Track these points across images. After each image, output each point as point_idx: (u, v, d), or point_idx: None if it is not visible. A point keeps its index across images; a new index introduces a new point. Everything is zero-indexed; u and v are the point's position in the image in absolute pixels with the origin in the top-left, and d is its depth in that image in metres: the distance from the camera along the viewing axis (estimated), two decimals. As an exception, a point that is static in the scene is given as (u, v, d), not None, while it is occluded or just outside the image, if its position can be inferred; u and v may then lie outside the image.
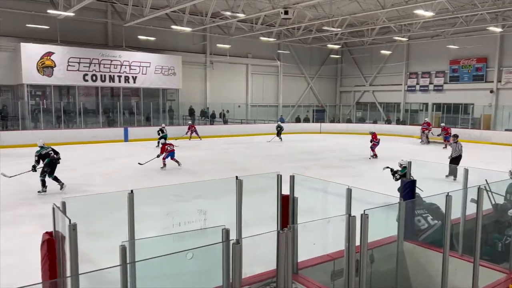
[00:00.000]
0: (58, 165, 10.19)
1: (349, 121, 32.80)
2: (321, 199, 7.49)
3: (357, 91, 35.44)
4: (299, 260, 4.03)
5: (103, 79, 22.79)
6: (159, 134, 18.56)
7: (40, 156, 9.96)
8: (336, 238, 4.64)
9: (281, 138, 22.86)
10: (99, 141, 20.29)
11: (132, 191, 3.18)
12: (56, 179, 10.07)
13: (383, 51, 30.75)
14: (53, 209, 2.55)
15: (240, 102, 30.03)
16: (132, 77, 23.71)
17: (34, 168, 9.92)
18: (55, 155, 10.08)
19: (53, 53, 20.96)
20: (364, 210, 2.76)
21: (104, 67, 22.66)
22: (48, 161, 9.94)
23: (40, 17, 20.32)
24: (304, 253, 4.29)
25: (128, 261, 2.71)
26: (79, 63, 21.84)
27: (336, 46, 31.36)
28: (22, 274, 5.43)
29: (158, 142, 15.68)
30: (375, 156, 16.30)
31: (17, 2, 20.38)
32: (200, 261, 3.31)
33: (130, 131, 22.23)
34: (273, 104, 32.62)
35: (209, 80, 28.66)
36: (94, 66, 22.31)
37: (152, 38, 24.29)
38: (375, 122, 31.44)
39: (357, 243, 3.06)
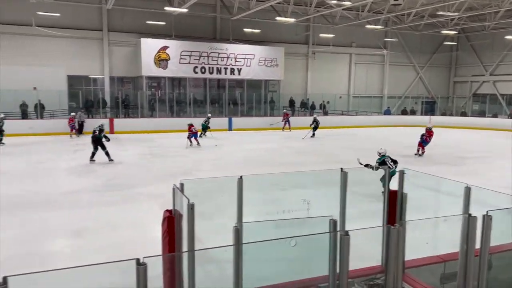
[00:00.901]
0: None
1: (463, 114, 29.88)
2: (431, 197, 7.00)
3: (475, 82, 32.10)
4: (405, 259, 3.85)
5: (211, 71, 24.13)
6: (205, 123, 19.15)
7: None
8: (447, 239, 4.31)
9: (314, 134, 19.76)
10: (210, 130, 21.58)
11: (241, 177, 3.35)
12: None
13: (508, 37, 27.29)
14: (173, 189, 2.81)
15: (341, 92, 29.35)
16: (237, 69, 24.68)
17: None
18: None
19: (168, 47, 22.80)
20: (487, 211, 2.52)
21: (212, 60, 23.97)
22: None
23: (158, 14, 22.20)
24: (410, 252, 4.08)
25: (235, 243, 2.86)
26: (190, 56, 23.41)
27: (452, 32, 28.73)
28: (143, 247, 6.08)
29: (203, 131, 18.54)
30: (422, 152, 14.68)
31: (138, 2, 22.54)
32: (303, 249, 3.35)
33: (234, 121, 23.24)
34: (377, 95, 31.21)
35: (310, 71, 28.51)
36: (203, 59, 23.71)
37: (257, 31, 24.93)
38: (495, 116, 28.19)
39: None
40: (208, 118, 19.61)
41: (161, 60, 22.72)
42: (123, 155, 14.28)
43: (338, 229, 2.43)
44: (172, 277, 2.69)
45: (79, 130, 19.59)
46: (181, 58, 23.19)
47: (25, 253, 5.80)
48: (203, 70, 23.91)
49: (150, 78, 23.47)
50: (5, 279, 1.41)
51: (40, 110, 20.44)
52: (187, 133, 16.37)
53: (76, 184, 9.90)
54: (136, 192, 9.18)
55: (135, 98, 23.86)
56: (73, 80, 22.66)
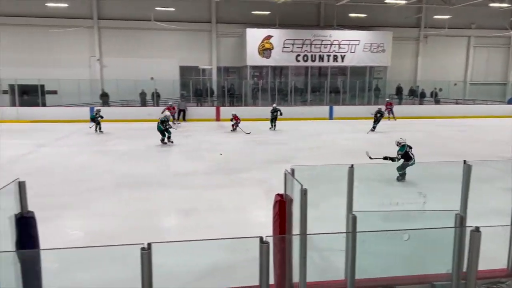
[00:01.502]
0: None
1: None
2: None
3: None
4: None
5: (313, 59, 23.90)
6: (273, 113, 18.10)
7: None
8: None
9: (375, 128, 17.35)
10: (306, 118, 21.53)
11: (352, 165, 3.28)
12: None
13: None
14: (285, 174, 2.87)
15: (456, 79, 26.79)
16: (341, 56, 24.05)
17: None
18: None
19: (271, 36, 23.13)
20: None
21: (315, 47, 23.70)
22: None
23: (263, 3, 22.62)
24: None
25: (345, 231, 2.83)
26: (293, 44, 23.46)
27: None
28: (247, 228, 6.35)
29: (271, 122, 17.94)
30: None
31: (245, -7, 23.25)
32: (416, 244, 3.16)
33: (335, 110, 22.78)
34: (500, 82, 27.85)
35: (421, 56, 26.54)
36: (306, 46, 23.57)
37: (363, 15, 23.92)
38: None
39: None
40: (275, 109, 18.21)
41: (265, 50, 23.17)
42: (229, 142, 14.99)
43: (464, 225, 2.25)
44: (283, 258, 2.76)
45: (178, 117, 20.94)
46: (284, 47, 23.37)
47: (144, 227, 6.46)
48: (305, 58, 23.80)
49: (253, 67, 24.11)
50: (149, 245, 1.58)
51: (156, 98, 22.38)
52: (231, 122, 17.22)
53: (186, 167, 10.69)
54: (241, 177, 9.58)
55: (240, 87, 24.77)
56: (184, 70, 24.35)
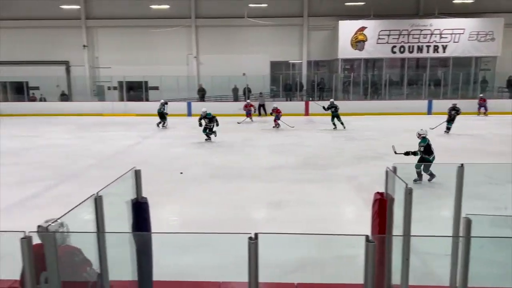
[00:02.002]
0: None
1: None
2: None
3: None
4: None
5: (410, 50, 22.52)
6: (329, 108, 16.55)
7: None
8: None
9: (449, 129, 14.72)
10: (402, 113, 20.41)
11: (462, 165, 3.03)
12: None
13: None
14: (387, 172, 2.76)
15: None
16: (442, 46, 22.29)
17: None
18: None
19: (365, 27, 22.29)
20: None
21: (413, 38, 22.30)
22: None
23: (357, -6, 21.90)
24: None
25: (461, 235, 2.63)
26: (388, 35, 22.35)
27: None
28: (338, 225, 6.25)
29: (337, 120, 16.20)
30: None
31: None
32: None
33: (435, 104, 21.23)
34: None
35: (539, 44, 23.47)
36: (403, 37, 22.28)
37: (469, 1, 21.87)
38: None
39: None
40: (332, 104, 16.58)
41: (358, 42, 22.41)
42: (318, 136, 14.86)
43: None
44: (381, 259, 2.66)
45: (260, 112, 21.13)
46: (378, 38, 22.37)
47: (235, 217, 6.70)
48: (401, 49, 22.51)
49: (345, 60, 23.49)
50: (256, 235, 1.64)
51: (247, 94, 23.01)
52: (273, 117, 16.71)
53: (275, 161, 10.83)
54: (330, 173, 9.44)
55: (330, 81, 24.34)
56: (274, 66, 24.63)
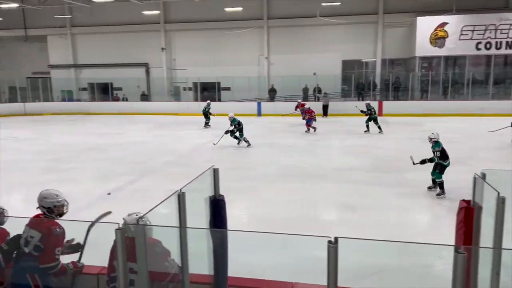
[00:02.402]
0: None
1: None
2: None
3: None
4: None
5: (498, 46, 20.73)
6: (367, 111, 15.24)
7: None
8: None
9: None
10: (487, 114, 18.86)
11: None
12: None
13: None
14: (475, 178, 2.57)
15: None
16: (535, 41, 20.25)
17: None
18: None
19: (446, 23, 20.93)
20: None
21: (501, 33, 20.51)
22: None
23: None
24: None
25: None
26: (472, 31, 20.78)
27: None
28: (412, 232, 5.95)
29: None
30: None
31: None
32: None
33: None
34: None
35: None
36: (490, 32, 20.58)
37: None
38: None
39: None
40: (368, 107, 15.50)
41: (438, 39, 21.12)
42: (391, 138, 14.27)
43: None
44: (467, 271, 2.49)
45: (324, 112, 20.54)
46: (461, 34, 20.88)
47: (305, 217, 6.65)
48: (488, 45, 20.81)
49: (423, 58, 22.27)
50: (336, 239, 1.61)
51: (318, 93, 22.75)
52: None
53: (346, 162, 10.59)
54: (404, 177, 9.00)
55: (405, 80, 23.24)
56: (346, 65, 24.07)
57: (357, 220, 6.58)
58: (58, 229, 3.09)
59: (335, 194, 7.94)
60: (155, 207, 2.03)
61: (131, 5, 23.33)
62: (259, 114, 21.79)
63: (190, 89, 25.34)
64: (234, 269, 3.19)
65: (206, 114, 17.70)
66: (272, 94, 23.70)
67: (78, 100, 26.81)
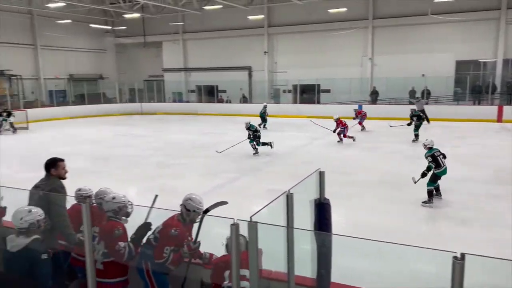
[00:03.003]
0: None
1: None
2: None
3: None
4: None
5: None
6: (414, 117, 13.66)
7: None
8: None
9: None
10: None
11: None
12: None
13: None
14: None
15: None
16: None
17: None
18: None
19: None
20: None
21: None
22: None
23: None
24: None
25: None
26: None
27: None
28: None
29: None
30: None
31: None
32: None
33: None
34: None
35: None
36: None
37: None
38: None
39: None
40: (413, 113, 14.23)
41: None
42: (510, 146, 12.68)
43: None
44: None
45: (425, 119, 18.01)
46: None
47: (409, 228, 6.23)
48: None
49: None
50: (463, 255, 1.47)
51: (426, 96, 21.21)
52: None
53: (460, 173, 9.65)
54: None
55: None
56: (460, 65, 22.06)
57: (473, 236, 5.98)
58: (173, 231, 3.33)
59: (444, 206, 7.32)
60: (265, 206, 2.07)
61: (237, 11, 24.35)
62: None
63: (289, 91, 25.58)
64: (337, 274, 3.11)
65: (263, 116, 18.21)
66: (373, 97, 22.77)
67: (187, 101, 28.83)
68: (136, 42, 30.48)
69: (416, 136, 13.91)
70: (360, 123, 16.56)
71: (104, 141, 15.46)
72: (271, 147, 12.49)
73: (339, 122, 14.11)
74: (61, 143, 14.83)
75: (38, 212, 3.18)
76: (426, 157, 7.49)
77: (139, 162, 11.61)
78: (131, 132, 17.80)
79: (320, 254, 2.82)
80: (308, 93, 24.78)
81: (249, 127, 12.50)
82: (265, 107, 18.76)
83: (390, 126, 15.89)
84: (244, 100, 26.54)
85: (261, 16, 25.45)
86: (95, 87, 28.58)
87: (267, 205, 2.09)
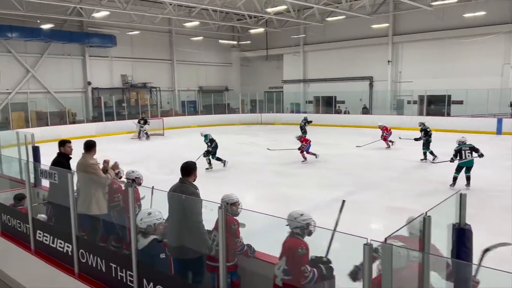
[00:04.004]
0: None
1: None
2: None
3: None
4: None
5: None
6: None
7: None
8: None
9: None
10: None
11: None
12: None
13: None
14: None
15: None
16: None
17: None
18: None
19: None
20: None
21: None
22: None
23: None
24: None
25: None
26: None
27: None
28: None
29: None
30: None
31: None
32: None
33: None
34: None
35: None
36: None
37: None
38: None
39: None
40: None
41: None
42: None
43: None
44: None
45: None
46: None
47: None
48: None
49: None
50: None
51: None
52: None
53: None
54: None
55: None
56: None
57: None
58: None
59: None
60: (400, 228, 1.92)
61: (360, 20, 23.73)
62: (498, 132, 18.69)
63: (415, 102, 23.91)
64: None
65: (304, 128, 17.94)
66: (515, 110, 19.98)
67: (305, 112, 29.01)
68: (259, 55, 31.87)
69: (424, 154, 12.33)
70: (385, 138, 15.37)
71: (228, 149, 16.40)
72: (224, 165, 12.02)
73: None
74: (192, 148, 16.16)
75: (156, 216, 3.48)
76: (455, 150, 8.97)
77: (257, 169, 12.03)
78: (250, 141, 18.55)
79: (458, 286, 2.51)
80: (436, 104, 22.86)
81: (204, 137, 12.20)
82: (305, 118, 18.78)
83: (400, 138, 14.89)
84: (365, 111, 25.65)
85: (386, 25, 24.40)
86: (221, 98, 30.69)
87: (400, 228, 1.93)
